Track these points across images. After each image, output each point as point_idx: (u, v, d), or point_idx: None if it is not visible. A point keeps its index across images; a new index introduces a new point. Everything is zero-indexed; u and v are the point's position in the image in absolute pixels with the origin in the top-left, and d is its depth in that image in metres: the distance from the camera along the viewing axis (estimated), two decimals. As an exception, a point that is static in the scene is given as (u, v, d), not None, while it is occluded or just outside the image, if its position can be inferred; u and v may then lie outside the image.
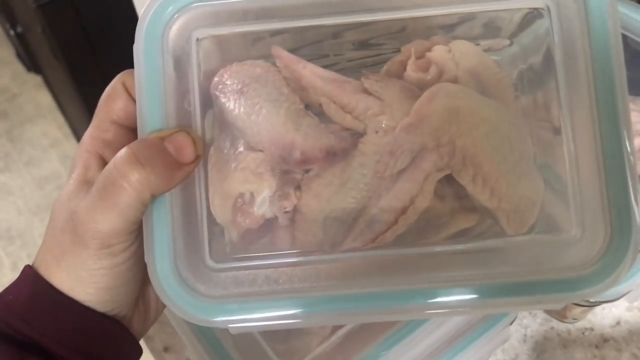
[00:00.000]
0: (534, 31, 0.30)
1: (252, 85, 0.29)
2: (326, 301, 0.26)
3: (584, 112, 0.26)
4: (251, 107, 0.29)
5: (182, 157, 0.26)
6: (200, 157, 0.27)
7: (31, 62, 1.67)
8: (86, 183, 0.28)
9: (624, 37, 0.52)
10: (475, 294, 0.26)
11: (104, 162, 0.28)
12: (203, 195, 0.28)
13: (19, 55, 1.83)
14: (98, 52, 1.09)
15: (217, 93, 0.29)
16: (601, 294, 0.25)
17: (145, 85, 0.27)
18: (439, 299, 0.26)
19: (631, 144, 0.26)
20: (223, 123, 0.30)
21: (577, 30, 0.27)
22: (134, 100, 0.28)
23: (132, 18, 0.87)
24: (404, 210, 0.27)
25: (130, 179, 0.25)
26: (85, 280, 0.26)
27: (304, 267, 0.27)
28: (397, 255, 0.27)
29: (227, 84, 0.29)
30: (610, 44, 0.26)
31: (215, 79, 0.29)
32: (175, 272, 0.26)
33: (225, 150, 0.29)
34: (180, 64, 0.28)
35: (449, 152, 0.27)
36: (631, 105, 0.49)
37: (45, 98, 1.82)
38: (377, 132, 0.28)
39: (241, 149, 0.29)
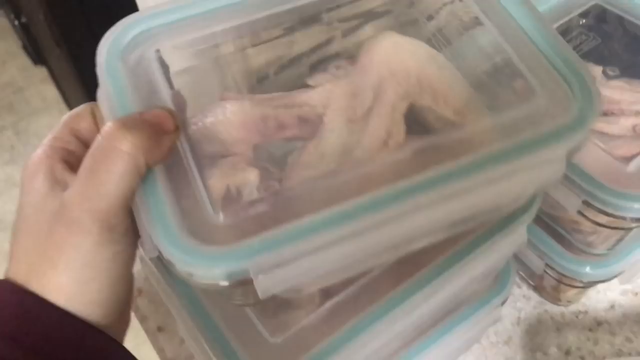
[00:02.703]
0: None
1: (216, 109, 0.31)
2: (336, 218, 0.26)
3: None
4: (220, 114, 0.31)
5: (164, 125, 0.26)
6: (179, 129, 0.27)
7: (37, 54, 1.68)
8: (57, 182, 0.26)
9: (622, 19, 0.52)
10: (469, 170, 0.27)
11: (69, 165, 0.27)
12: (193, 164, 0.28)
13: (25, 48, 1.85)
14: (100, 40, 1.09)
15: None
16: (586, 139, 0.28)
17: (115, 102, 0.28)
18: (435, 186, 0.26)
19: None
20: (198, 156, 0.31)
21: None
22: (98, 128, 0.29)
23: (133, 6, 0.88)
24: (385, 144, 0.28)
25: (123, 143, 0.24)
26: (89, 277, 0.25)
27: (307, 187, 0.27)
28: (391, 161, 0.28)
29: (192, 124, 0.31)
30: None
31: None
32: (183, 233, 0.26)
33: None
34: (144, 80, 0.30)
35: (404, 77, 0.29)
36: (626, 86, 0.49)
37: (51, 91, 1.84)
38: (335, 76, 0.31)
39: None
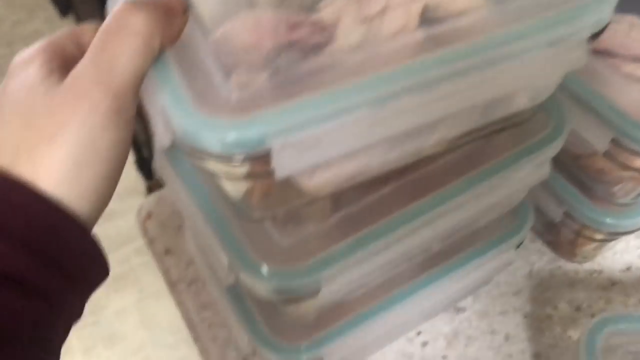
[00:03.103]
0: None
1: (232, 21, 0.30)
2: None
3: None
4: (234, 23, 0.29)
5: (174, 8, 0.26)
6: (188, 12, 0.27)
7: (65, 4, 1.69)
8: (54, 73, 0.24)
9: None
10: (491, 45, 0.27)
11: (66, 65, 0.25)
12: (208, 59, 0.27)
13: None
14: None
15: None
16: (605, 22, 0.29)
17: None
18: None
19: None
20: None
21: None
22: None
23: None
24: (404, 28, 0.28)
25: (136, 22, 0.24)
26: (87, 160, 0.23)
27: (322, 66, 0.27)
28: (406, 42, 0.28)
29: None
30: None
31: None
32: (198, 106, 0.25)
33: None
34: None
35: None
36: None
37: (75, 44, 1.84)
38: None
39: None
